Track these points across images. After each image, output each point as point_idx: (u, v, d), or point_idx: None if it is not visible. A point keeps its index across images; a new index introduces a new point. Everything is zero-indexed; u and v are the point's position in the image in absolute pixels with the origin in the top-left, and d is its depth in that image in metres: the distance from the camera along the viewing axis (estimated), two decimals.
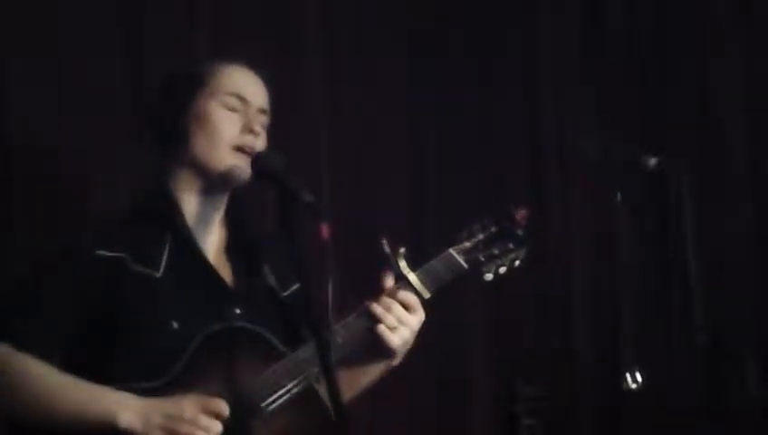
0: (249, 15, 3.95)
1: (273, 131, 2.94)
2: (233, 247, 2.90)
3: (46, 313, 2.70)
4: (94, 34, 3.65)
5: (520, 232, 2.95)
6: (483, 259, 2.93)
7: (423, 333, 2.90)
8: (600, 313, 4.47)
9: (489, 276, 2.94)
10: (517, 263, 2.97)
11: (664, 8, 4.70)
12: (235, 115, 2.84)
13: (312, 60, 4.11)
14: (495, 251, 2.94)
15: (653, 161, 3.42)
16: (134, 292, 2.71)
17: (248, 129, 2.83)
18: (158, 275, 2.74)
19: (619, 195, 3.44)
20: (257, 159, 2.80)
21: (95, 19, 3.65)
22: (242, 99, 2.85)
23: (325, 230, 2.56)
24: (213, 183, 2.84)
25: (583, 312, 4.53)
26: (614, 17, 4.70)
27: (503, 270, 2.95)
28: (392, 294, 2.82)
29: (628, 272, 3.86)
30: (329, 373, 2.52)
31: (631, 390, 3.35)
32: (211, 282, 2.81)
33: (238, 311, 2.79)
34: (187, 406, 2.62)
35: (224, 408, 2.64)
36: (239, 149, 2.81)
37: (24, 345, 2.67)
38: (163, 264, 2.75)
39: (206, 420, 2.62)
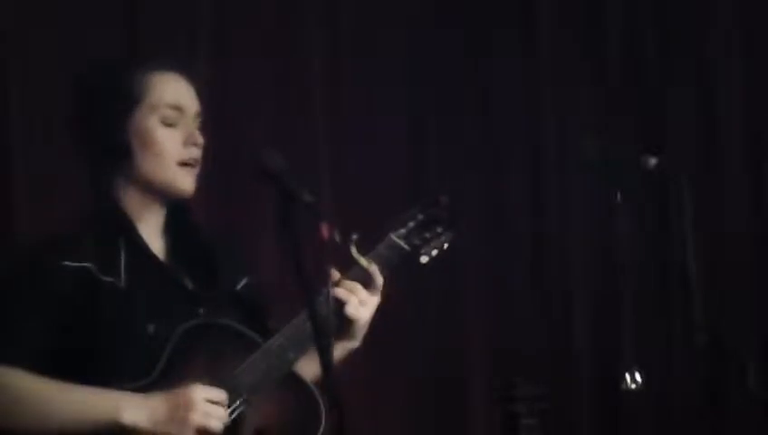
0: (249, 15, 3.95)
1: (274, 132, 2.95)
2: (178, 252, 2.91)
3: (15, 329, 2.68)
4: (94, 34, 3.65)
5: (446, 216, 3.04)
6: (418, 243, 3.03)
7: (423, 333, 2.91)
8: (600, 313, 4.47)
9: (425, 259, 3.06)
10: (446, 246, 3.06)
11: (664, 8, 4.70)
12: (176, 130, 2.84)
13: (312, 60, 4.11)
14: (427, 235, 3.04)
15: (653, 161, 3.42)
16: (105, 301, 2.71)
17: (190, 141, 2.84)
18: (122, 283, 2.75)
19: (618, 195, 3.43)
20: (256, 160, 2.81)
21: (95, 19, 3.66)
22: (179, 109, 2.85)
23: (325, 230, 2.56)
24: (158, 196, 2.85)
25: (583, 312, 4.53)
26: (614, 17, 4.70)
27: (435, 253, 3.06)
28: (348, 278, 2.87)
29: (628, 272, 3.86)
30: (326, 363, 2.52)
31: (631, 390, 3.35)
32: (170, 284, 2.82)
33: (202, 310, 2.81)
34: (194, 394, 2.62)
35: (222, 396, 2.65)
36: (184, 163, 2.83)
37: None
38: (122, 271, 2.76)
39: (212, 407, 2.63)
